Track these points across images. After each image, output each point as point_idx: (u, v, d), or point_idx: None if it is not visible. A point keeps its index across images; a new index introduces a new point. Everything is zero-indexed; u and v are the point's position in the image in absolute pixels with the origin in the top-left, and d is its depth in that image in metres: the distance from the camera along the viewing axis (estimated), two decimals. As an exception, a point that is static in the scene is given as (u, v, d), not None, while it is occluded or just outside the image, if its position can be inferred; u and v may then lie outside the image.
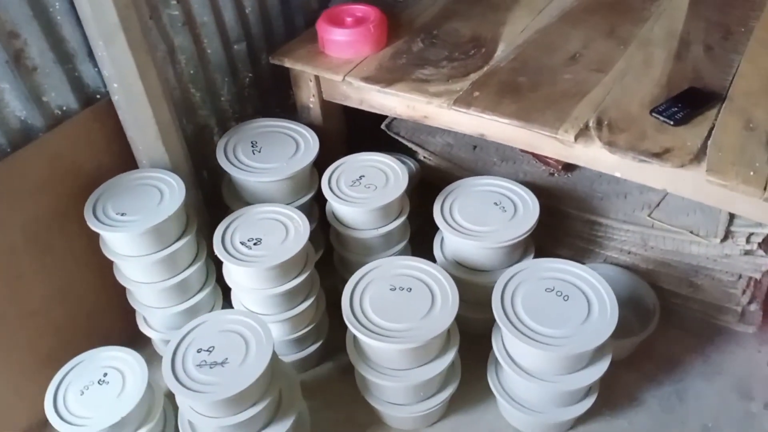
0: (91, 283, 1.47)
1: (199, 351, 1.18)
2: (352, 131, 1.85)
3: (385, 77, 1.51)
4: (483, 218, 1.46)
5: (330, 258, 1.68)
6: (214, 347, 1.18)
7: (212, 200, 1.67)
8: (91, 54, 1.30)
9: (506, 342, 1.33)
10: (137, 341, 1.55)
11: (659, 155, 1.24)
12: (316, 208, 1.64)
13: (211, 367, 1.15)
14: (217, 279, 1.52)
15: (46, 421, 1.25)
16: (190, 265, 1.40)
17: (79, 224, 1.31)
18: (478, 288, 1.47)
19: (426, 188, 1.77)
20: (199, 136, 1.65)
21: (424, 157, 1.80)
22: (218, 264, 1.47)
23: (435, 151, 1.78)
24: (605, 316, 1.25)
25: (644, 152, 1.25)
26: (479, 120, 1.41)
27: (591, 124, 1.33)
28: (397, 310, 1.27)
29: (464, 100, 1.41)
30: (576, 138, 1.30)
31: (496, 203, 1.50)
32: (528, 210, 1.47)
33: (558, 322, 1.24)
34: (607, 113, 1.35)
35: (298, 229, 1.37)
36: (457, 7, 1.78)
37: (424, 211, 1.58)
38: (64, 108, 1.31)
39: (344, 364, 1.60)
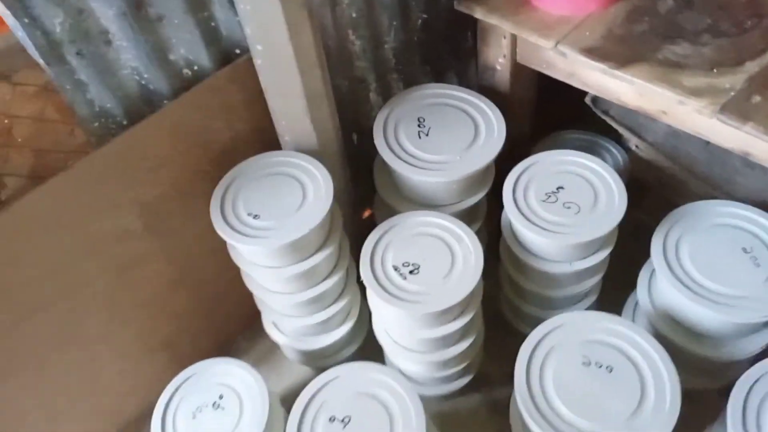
0: (214, 266, 1.24)
1: (331, 420, 0.92)
2: (541, 97, 1.44)
3: (618, 52, 1.07)
4: (724, 272, 1.04)
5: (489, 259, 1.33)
6: (350, 418, 0.92)
7: (360, 172, 1.36)
8: (232, -1, 0.98)
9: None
10: (259, 326, 1.35)
11: None
12: (485, 204, 1.29)
13: (345, 447, 0.90)
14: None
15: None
16: (330, 274, 1.13)
17: (204, 201, 1.06)
18: (695, 358, 1.10)
19: (632, 186, 1.35)
20: (353, 92, 1.32)
21: (637, 147, 1.36)
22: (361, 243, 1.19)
23: (654, 141, 1.34)
24: None
25: None
26: (752, 138, 0.96)
27: None
28: (591, 401, 0.93)
29: (738, 108, 0.96)
30: None
31: (745, 249, 1.07)
32: (794, 269, 1.03)
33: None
34: None
35: (467, 258, 1.03)
36: (727, -58, 1.24)
37: (627, 217, 1.18)
38: (196, 68, 1.02)
39: (493, 398, 1.32)
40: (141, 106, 0.98)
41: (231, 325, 1.38)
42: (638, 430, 0.90)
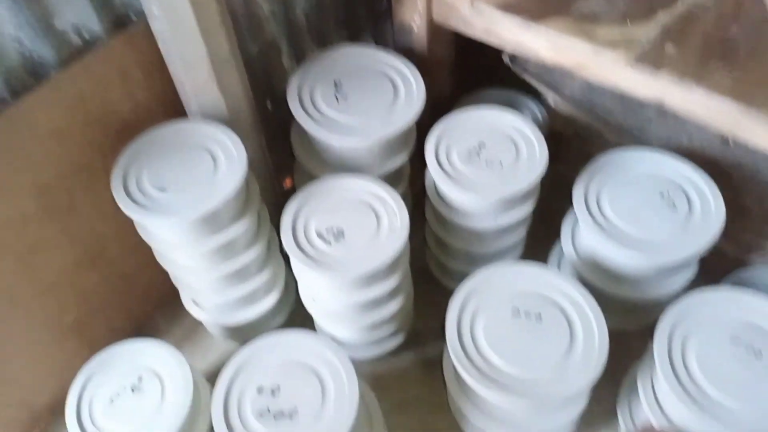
0: (123, 243, 1.17)
1: (259, 391, 0.89)
2: (459, 57, 1.42)
3: (533, 6, 1.06)
4: (644, 217, 1.06)
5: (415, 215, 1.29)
6: (279, 387, 0.89)
7: (276, 140, 1.31)
8: (121, -44, 0.90)
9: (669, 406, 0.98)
10: (178, 303, 1.28)
11: None
12: (408, 167, 1.27)
13: (276, 419, 0.87)
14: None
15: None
16: (249, 247, 1.08)
17: (107, 177, 0.98)
18: (620, 301, 1.12)
19: (553, 141, 1.36)
20: (265, 57, 1.26)
21: (555, 103, 1.37)
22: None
23: (571, 96, 1.35)
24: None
25: None
26: (667, 86, 0.97)
27: None
28: (522, 349, 0.94)
29: (652, 57, 0.97)
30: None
31: (662, 194, 1.09)
32: (708, 211, 1.07)
33: (747, 397, 0.89)
34: None
35: (392, 220, 1.01)
36: None
37: (548, 171, 1.18)
38: (86, 35, 0.94)
39: (426, 356, 1.32)
40: (26, 79, 0.89)
41: (147, 303, 1.31)
42: (570, 372, 0.91)
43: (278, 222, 1.05)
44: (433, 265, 1.35)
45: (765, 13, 1.01)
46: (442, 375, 1.14)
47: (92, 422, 1.01)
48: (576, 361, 0.93)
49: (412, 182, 1.30)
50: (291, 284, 1.28)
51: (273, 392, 0.89)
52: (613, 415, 1.17)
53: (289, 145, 1.24)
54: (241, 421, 0.87)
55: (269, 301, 1.21)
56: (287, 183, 1.49)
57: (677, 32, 1.00)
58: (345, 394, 0.89)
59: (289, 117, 1.24)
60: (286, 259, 1.21)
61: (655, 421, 0.98)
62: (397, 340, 1.26)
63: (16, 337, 1.08)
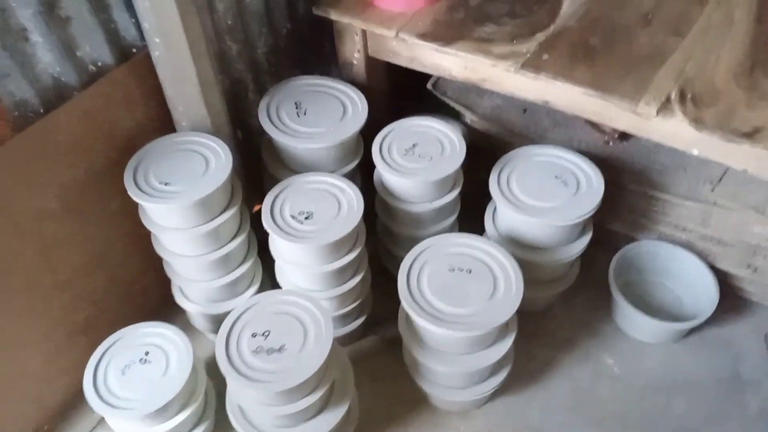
0: (129, 248, 1.38)
1: (253, 335, 1.10)
2: (394, 90, 1.73)
3: (444, 34, 1.38)
4: (544, 193, 1.37)
5: (369, 222, 1.58)
6: (269, 332, 1.11)
7: (247, 162, 1.56)
8: (128, 3, 1.16)
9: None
10: (172, 312, 1.48)
11: (750, 135, 1.15)
12: (359, 174, 1.54)
13: (268, 354, 1.08)
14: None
15: (82, 392, 1.19)
16: (234, 237, 1.31)
17: (115, 187, 1.21)
18: (532, 266, 1.40)
19: (472, 153, 1.67)
20: (234, 92, 1.53)
21: (472, 121, 1.69)
22: (258, 233, 1.38)
23: (483, 114, 1.67)
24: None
25: (734, 131, 1.16)
26: (546, 86, 1.30)
27: (673, 96, 1.22)
28: (457, 294, 1.20)
29: (533, 64, 1.30)
30: (658, 112, 1.20)
31: (557, 176, 1.40)
32: (592, 186, 1.38)
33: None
34: (691, 84, 1.24)
35: (350, 202, 1.27)
36: (515, -46, 1.62)
37: (471, 178, 1.48)
38: (99, 63, 1.18)
39: (387, 337, 1.55)
40: (55, 97, 1.12)
41: (145, 309, 1.49)
42: (495, 308, 1.17)
43: (254, 230, 1.27)
44: (385, 258, 1.60)
45: (614, 25, 1.37)
46: (400, 349, 1.38)
47: (107, 389, 1.19)
48: (499, 300, 1.19)
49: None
50: (267, 283, 1.50)
51: (265, 335, 1.11)
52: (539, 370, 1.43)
53: (258, 169, 1.49)
54: (240, 357, 1.08)
55: (249, 293, 1.42)
56: (256, 208, 1.73)
57: (550, 45, 1.33)
58: (322, 333, 1.11)
59: (257, 145, 1.50)
60: (263, 263, 1.44)
61: None
62: (360, 321, 1.48)
63: (35, 328, 1.26)
